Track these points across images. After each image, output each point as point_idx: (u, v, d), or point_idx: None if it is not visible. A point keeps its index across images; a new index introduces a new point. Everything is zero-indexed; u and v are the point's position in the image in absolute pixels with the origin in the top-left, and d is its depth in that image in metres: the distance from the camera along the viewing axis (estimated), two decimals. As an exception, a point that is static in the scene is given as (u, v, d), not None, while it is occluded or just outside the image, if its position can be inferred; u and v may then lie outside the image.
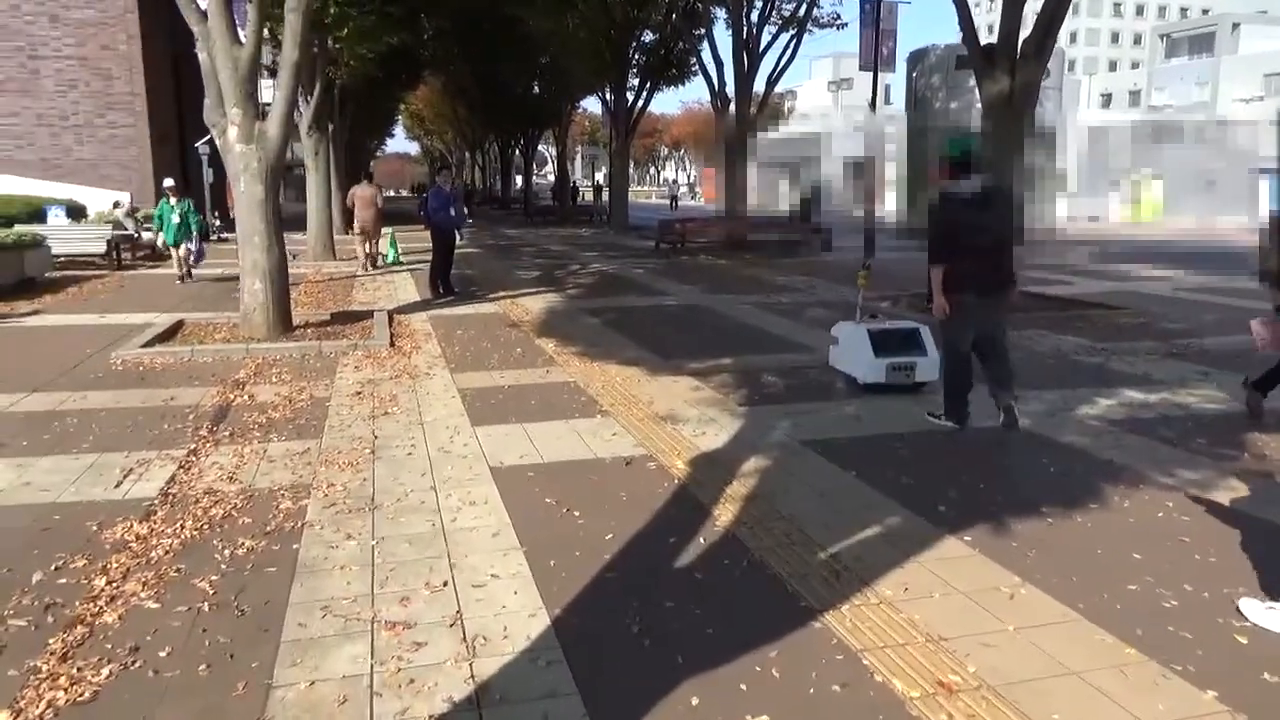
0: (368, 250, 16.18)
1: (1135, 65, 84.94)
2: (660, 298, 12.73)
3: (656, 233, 20.87)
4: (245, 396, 6.79)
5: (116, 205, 18.55)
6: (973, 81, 25.74)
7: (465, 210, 15.78)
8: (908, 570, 3.71)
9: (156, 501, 4.54)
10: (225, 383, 7.22)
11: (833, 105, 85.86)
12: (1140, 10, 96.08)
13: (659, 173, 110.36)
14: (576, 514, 4.36)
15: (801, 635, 3.20)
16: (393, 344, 8.87)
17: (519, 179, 58.87)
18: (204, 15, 8.85)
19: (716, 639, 3.18)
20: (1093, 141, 48.51)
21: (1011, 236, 5.83)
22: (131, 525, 4.21)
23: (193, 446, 5.49)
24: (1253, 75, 58.02)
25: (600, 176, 75.61)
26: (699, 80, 35.75)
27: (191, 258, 14.07)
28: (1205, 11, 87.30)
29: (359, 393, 6.92)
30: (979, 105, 25.94)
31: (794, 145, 51.19)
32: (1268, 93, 56.48)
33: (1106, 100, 71.12)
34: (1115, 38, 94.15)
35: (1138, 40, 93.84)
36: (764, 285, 14.27)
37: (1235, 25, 68.41)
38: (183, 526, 4.19)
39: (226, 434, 5.79)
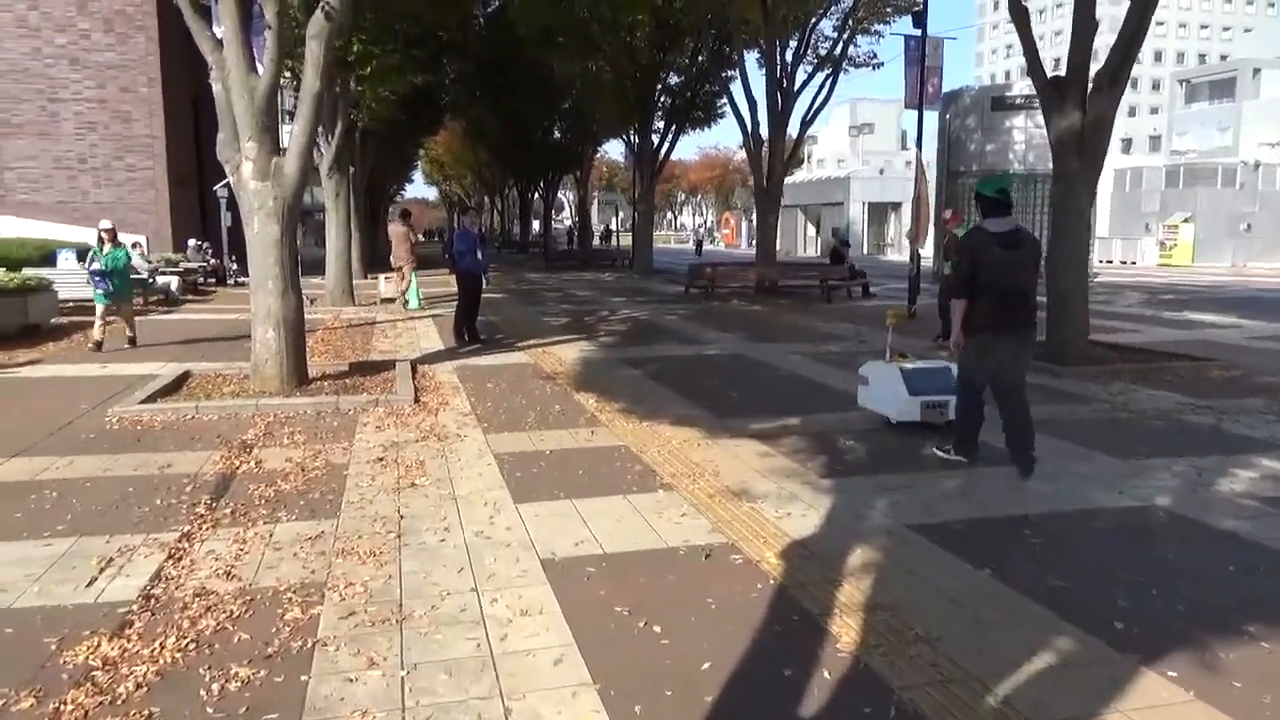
0: (400, 285, 17.13)
1: (1155, 111, 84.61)
2: (701, 347, 11.88)
3: (686, 277, 20.11)
4: (252, 463, 5.95)
5: (134, 246, 17.92)
6: (1009, 123, 25.18)
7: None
8: (1114, 725, 2.79)
9: (135, 608, 3.68)
10: (230, 446, 6.39)
11: (850, 151, 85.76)
12: (1159, 56, 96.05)
13: (675, 218, 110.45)
14: (657, 630, 3.46)
15: (1006, 840, 2.28)
16: (417, 399, 8.04)
17: (536, 223, 58.67)
18: (219, 43, 8.20)
19: (888, 846, 2.27)
20: (1120, 185, 47.78)
21: (1036, 279, 5.84)
22: (99, 643, 3.34)
23: (186, 529, 4.64)
24: (1275, 120, 57.48)
25: (615, 222, 75.45)
26: (717, 126, 35.47)
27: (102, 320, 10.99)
28: (1224, 57, 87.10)
29: (381, 459, 6.07)
30: (1016, 147, 25.35)
31: (818, 189, 50.75)
32: (1292, 137, 55.86)
33: (1127, 145, 70.66)
34: (1134, 84, 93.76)
35: (1156, 86, 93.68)
36: (808, 333, 13.42)
37: (1256, 70, 67.99)
38: (163, 646, 3.32)
39: (228, 511, 4.93)
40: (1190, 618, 3.58)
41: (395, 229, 17.67)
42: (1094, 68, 10.42)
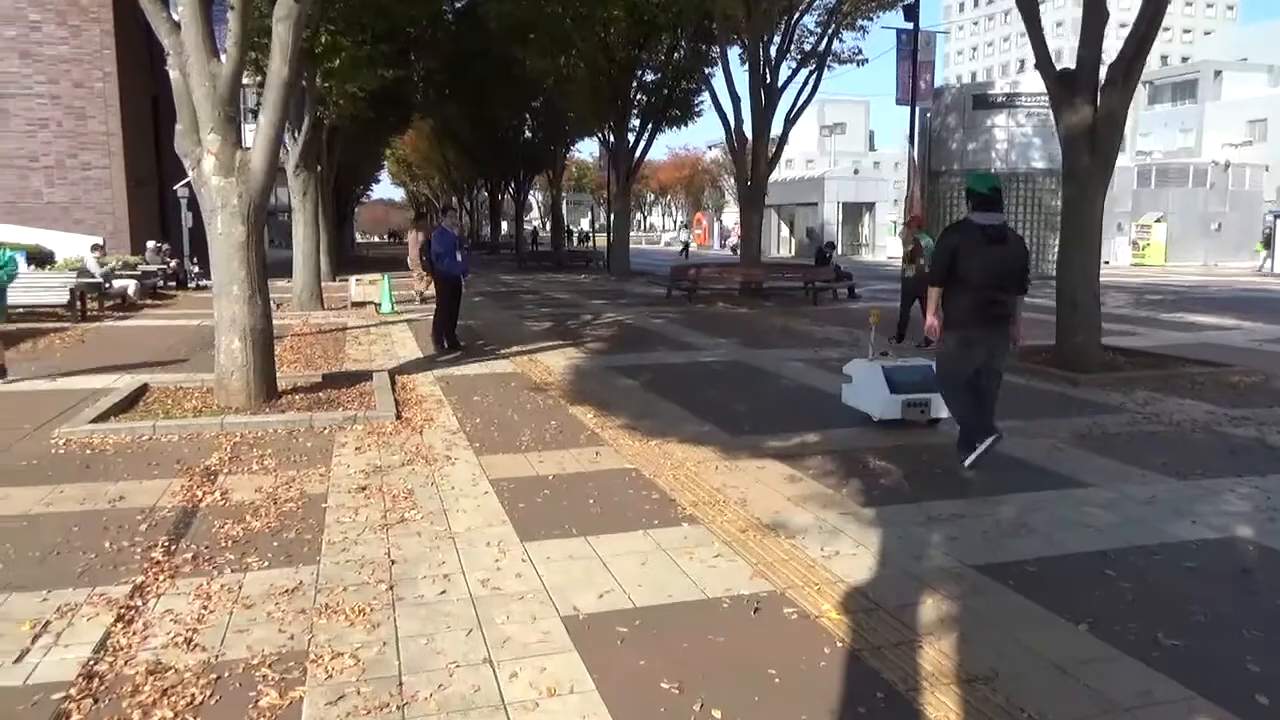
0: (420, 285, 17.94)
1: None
2: (695, 353, 11.28)
3: (669, 279, 19.52)
4: (217, 494, 5.26)
5: (95, 249, 16.91)
6: (991, 121, 24.91)
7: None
8: None
9: (74, 691, 3.00)
10: (192, 473, 5.69)
11: (819, 151, 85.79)
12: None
13: (645, 218, 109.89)
14: (717, 715, 2.86)
15: None
16: (399, 415, 7.36)
17: (505, 224, 57.81)
18: (177, 26, 7.47)
19: None
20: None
21: (1022, 276, 5.82)
22: (26, 747, 2.68)
23: (140, 580, 3.96)
24: (1236, 121, 58.13)
25: (585, 223, 74.58)
26: (687, 125, 34.72)
27: None
28: (1185, 59, 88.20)
29: (364, 487, 5.40)
30: (998, 145, 25.06)
31: (791, 189, 50.42)
32: (1254, 138, 56.53)
33: (1094, 145, 71.05)
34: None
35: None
36: (802, 338, 12.89)
37: (1217, 72, 68.82)
38: (106, 751, 2.66)
39: (188, 556, 4.25)
40: (1339, 686, 3.04)
41: (413, 234, 18.76)
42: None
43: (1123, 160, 56.40)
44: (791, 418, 7.38)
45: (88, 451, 6.24)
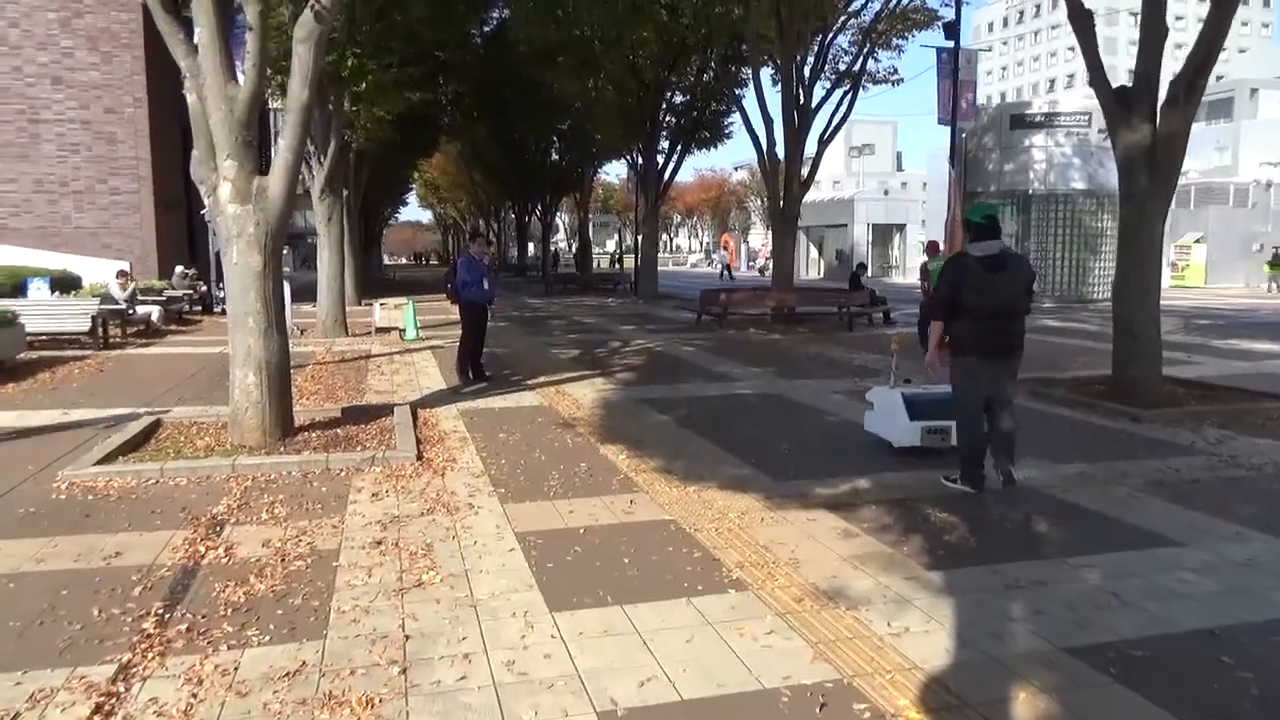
0: None
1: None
2: (729, 384, 10.80)
3: (699, 304, 19.09)
4: (220, 549, 4.85)
5: (121, 274, 16.73)
6: (1028, 141, 24.31)
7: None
8: None
9: (32, 811, 2.59)
10: (197, 523, 5.29)
11: (846, 172, 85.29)
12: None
13: (672, 240, 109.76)
14: None
15: None
16: (420, 455, 6.95)
17: (530, 246, 57.83)
18: (194, 48, 7.18)
19: None
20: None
21: (1024, 303, 5.88)
22: None
23: (126, 658, 3.55)
24: (1273, 139, 56.85)
25: (611, 244, 74.41)
26: (719, 147, 34.45)
27: None
28: (1220, 78, 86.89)
29: (379, 541, 4.98)
30: (1036, 166, 24.44)
31: (820, 211, 49.88)
32: (1294, 156, 55.25)
33: (1126, 165, 69.95)
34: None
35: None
36: (840, 366, 12.38)
37: (1253, 90, 67.57)
38: None
39: (183, 628, 3.84)
40: None
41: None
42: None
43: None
44: (838, 458, 6.89)
45: (90, 497, 5.87)
